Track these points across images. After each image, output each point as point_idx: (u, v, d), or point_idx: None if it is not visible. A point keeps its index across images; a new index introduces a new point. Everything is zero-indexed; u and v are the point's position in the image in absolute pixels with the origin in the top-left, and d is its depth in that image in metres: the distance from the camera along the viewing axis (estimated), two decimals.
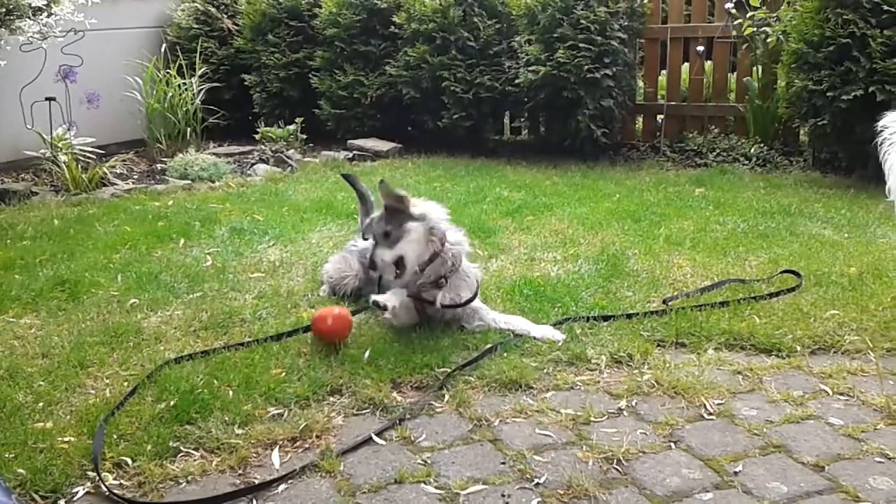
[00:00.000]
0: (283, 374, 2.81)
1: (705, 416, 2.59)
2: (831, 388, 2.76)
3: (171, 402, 2.60)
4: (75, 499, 2.18)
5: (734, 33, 6.70)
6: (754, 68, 6.77)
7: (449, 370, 2.83)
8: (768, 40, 6.37)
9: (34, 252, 4.23)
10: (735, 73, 7.13)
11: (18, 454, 2.31)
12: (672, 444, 2.43)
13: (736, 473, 2.27)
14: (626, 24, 6.55)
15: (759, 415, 2.60)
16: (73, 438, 2.41)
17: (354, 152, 6.94)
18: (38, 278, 3.82)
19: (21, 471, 2.23)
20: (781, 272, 3.79)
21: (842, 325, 3.21)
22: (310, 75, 7.44)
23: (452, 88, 6.74)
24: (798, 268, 3.81)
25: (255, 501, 2.17)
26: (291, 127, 7.07)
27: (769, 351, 3.04)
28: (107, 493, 2.18)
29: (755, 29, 6.46)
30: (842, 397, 2.71)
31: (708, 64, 7.20)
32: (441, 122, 6.94)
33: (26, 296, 3.61)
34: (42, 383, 2.76)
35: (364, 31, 7.23)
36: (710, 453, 2.38)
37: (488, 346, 3.01)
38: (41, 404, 2.62)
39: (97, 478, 2.23)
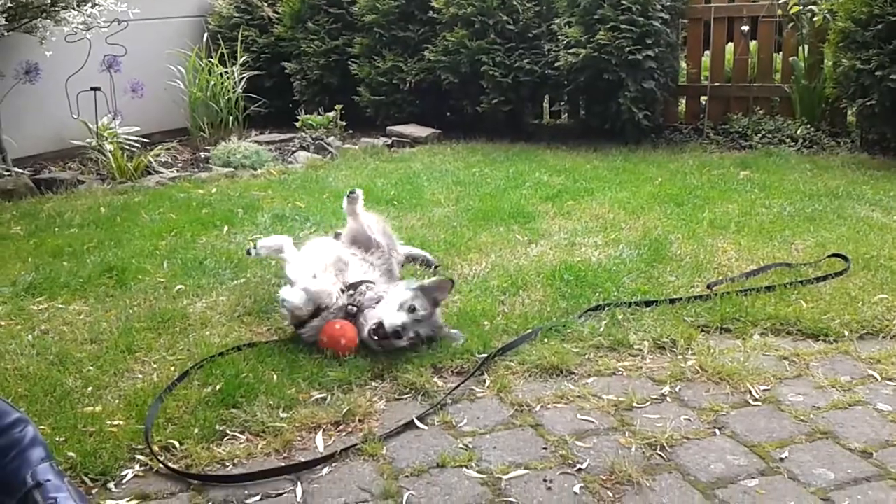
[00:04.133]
0: (325, 358, 2.83)
1: (751, 402, 2.56)
2: (880, 373, 2.72)
3: (217, 387, 2.64)
4: (124, 481, 2.23)
5: (779, 12, 6.56)
6: (800, 48, 6.64)
7: (487, 355, 2.83)
8: (815, 19, 6.24)
9: (82, 239, 4.31)
10: (780, 53, 6.99)
11: (69, 438, 2.37)
12: (717, 431, 2.40)
13: (782, 460, 2.25)
14: (668, 4, 6.45)
15: (806, 401, 2.56)
16: (121, 422, 2.46)
17: (394, 138, 6.95)
18: (85, 265, 3.89)
19: (71, 454, 2.28)
20: (829, 256, 3.72)
21: (890, 309, 3.15)
22: (349, 62, 7.46)
23: (491, 73, 6.71)
24: (846, 251, 3.73)
25: (299, 483, 2.20)
26: (331, 114, 7.11)
27: (816, 336, 2.99)
28: (157, 469, 2.24)
29: (801, 7, 6.32)
30: (890, 383, 2.66)
31: (753, 44, 7.06)
32: (480, 106, 6.91)
33: (75, 282, 3.68)
34: (91, 368, 2.82)
35: (402, 16, 7.23)
36: (756, 439, 2.35)
37: (528, 330, 3.01)
38: (90, 389, 2.67)
39: (149, 451, 2.29)
